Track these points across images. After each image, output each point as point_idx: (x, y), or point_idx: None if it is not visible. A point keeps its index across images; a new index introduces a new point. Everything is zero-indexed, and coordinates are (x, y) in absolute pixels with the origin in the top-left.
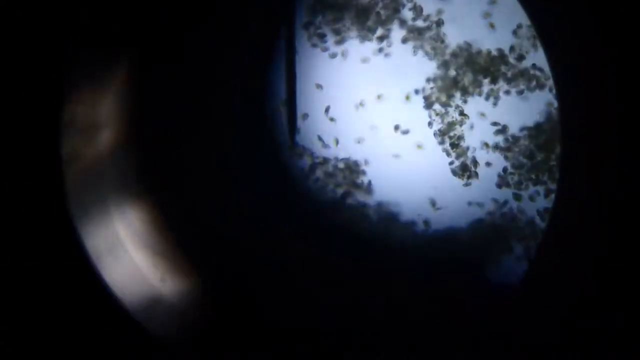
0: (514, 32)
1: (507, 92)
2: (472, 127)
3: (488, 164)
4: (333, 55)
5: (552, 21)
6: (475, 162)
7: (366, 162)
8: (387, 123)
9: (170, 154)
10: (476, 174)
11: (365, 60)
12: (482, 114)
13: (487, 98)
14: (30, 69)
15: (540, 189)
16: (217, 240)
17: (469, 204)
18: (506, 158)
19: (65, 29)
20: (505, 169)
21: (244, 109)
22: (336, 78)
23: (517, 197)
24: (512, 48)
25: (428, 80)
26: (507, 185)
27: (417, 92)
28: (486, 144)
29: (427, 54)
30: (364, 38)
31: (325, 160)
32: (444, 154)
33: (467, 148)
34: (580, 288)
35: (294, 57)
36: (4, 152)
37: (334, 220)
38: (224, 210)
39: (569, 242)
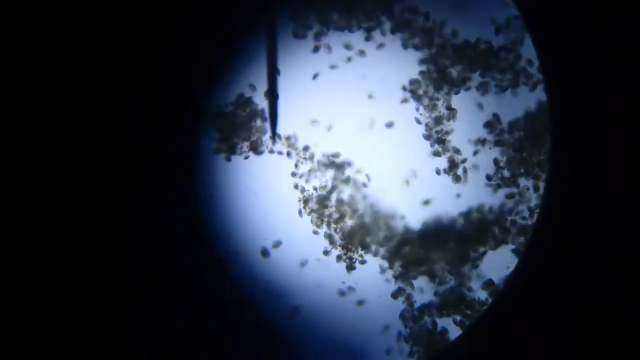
0: (504, 23)
1: (496, 84)
2: (459, 120)
3: (476, 154)
4: (316, 49)
5: (541, 13)
6: (463, 159)
7: (351, 157)
8: (374, 118)
9: None
10: (464, 170)
11: (350, 54)
12: (471, 107)
13: (476, 91)
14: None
15: (530, 183)
16: None
17: (458, 196)
18: (495, 151)
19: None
20: (495, 161)
21: None
22: (320, 72)
23: (499, 188)
24: (497, 28)
25: (416, 70)
26: (497, 178)
27: (404, 88)
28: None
29: (415, 46)
30: (351, 29)
31: (310, 155)
32: (432, 150)
33: (456, 149)
34: (572, 286)
35: (275, 50)
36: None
37: None
38: None
39: (558, 239)
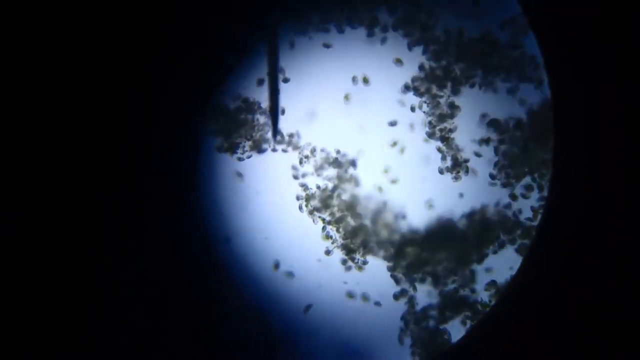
0: (507, 20)
1: (500, 81)
2: (463, 119)
3: (479, 156)
4: (327, 45)
5: (545, 12)
6: (465, 158)
7: (354, 155)
8: (377, 116)
9: None
10: (467, 169)
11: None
12: (475, 105)
13: (479, 88)
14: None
15: (533, 183)
16: None
17: (461, 196)
18: (499, 150)
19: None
20: (498, 162)
21: None
22: (323, 70)
23: (509, 192)
24: (502, 25)
25: (419, 68)
26: (500, 177)
27: (407, 88)
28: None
29: (417, 43)
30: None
31: (313, 152)
32: (435, 149)
33: (459, 148)
34: (574, 286)
35: (277, 52)
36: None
37: None
38: None
39: (559, 239)
